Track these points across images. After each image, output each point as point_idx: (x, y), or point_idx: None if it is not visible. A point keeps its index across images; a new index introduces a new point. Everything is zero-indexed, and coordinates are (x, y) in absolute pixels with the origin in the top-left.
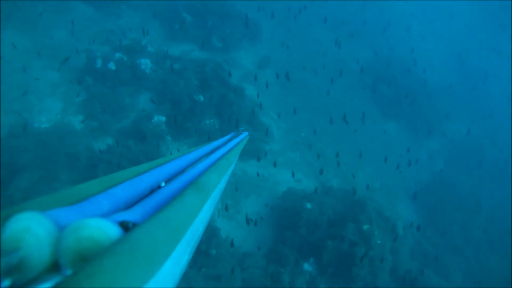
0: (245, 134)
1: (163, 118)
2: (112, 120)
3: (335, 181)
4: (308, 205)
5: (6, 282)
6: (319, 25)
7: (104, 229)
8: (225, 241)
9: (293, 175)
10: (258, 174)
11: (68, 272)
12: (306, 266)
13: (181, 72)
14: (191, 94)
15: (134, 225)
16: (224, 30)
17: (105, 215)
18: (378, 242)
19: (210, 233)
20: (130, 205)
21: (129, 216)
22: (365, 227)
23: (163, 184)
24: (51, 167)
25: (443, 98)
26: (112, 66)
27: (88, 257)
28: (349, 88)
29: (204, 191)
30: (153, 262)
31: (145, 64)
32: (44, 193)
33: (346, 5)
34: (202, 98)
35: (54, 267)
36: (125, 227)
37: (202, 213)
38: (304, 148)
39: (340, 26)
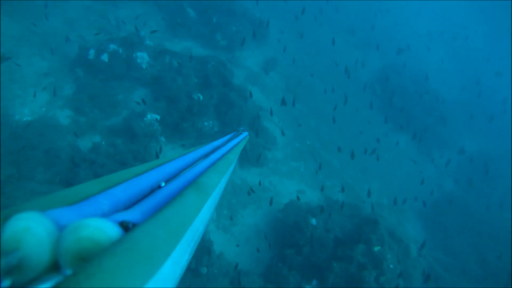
0: (245, 134)
1: (157, 117)
2: (102, 117)
3: (341, 194)
4: (313, 221)
5: (6, 282)
6: (330, 31)
7: (104, 229)
8: (218, 257)
9: (298, 194)
10: (260, 183)
11: (68, 272)
12: None
13: (180, 68)
14: (190, 92)
15: (134, 225)
16: (230, 28)
17: (105, 215)
18: (391, 266)
19: (202, 247)
20: (130, 205)
21: (129, 216)
22: (376, 248)
23: (163, 184)
24: (25, 164)
25: (456, 113)
26: (105, 58)
27: (88, 257)
28: (358, 98)
29: (204, 191)
30: (153, 262)
31: (142, 58)
32: (10, 195)
33: (359, 13)
34: (201, 97)
35: (54, 267)
36: (125, 227)
37: (202, 213)
38: (308, 157)
39: (352, 33)
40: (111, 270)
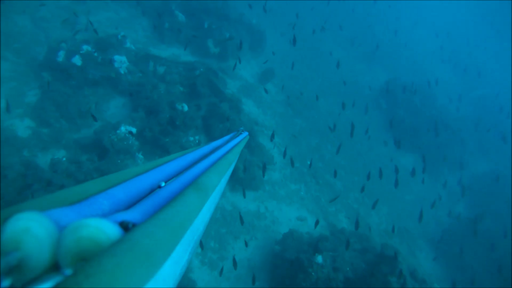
0: (245, 134)
1: (133, 130)
2: (70, 128)
3: (346, 221)
4: (319, 259)
5: (6, 282)
6: (331, 41)
7: (104, 229)
8: None
9: (299, 221)
10: (261, 209)
11: (68, 272)
12: None
13: (164, 75)
14: (173, 102)
15: (134, 225)
16: (223, 34)
17: (105, 215)
18: None
19: None
20: (130, 205)
21: (129, 216)
22: None
23: (163, 184)
24: None
25: (466, 131)
26: (77, 61)
27: (88, 257)
28: (362, 113)
29: (204, 191)
30: (153, 262)
31: (120, 62)
32: None
33: (360, 22)
34: (186, 108)
35: (54, 267)
36: (125, 227)
37: (202, 213)
38: (309, 179)
39: (354, 44)
40: (111, 270)
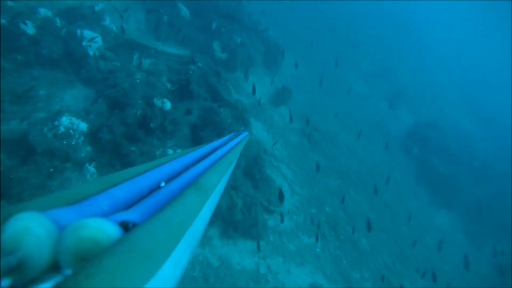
0: (245, 134)
1: (82, 125)
2: None
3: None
4: None
5: (6, 282)
6: (352, 72)
7: (104, 229)
8: None
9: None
10: (261, 268)
11: (68, 272)
12: None
13: (147, 67)
14: (150, 98)
15: (134, 225)
16: (232, 38)
17: (105, 215)
18: None
19: None
20: (130, 205)
21: (129, 216)
22: None
23: (163, 184)
24: None
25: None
26: (29, 28)
27: (88, 257)
28: (389, 154)
29: (204, 191)
30: (153, 262)
31: (91, 40)
32: None
33: (382, 54)
34: (168, 106)
35: (54, 267)
36: (125, 227)
37: (202, 213)
38: (328, 231)
39: (378, 78)
40: (111, 270)
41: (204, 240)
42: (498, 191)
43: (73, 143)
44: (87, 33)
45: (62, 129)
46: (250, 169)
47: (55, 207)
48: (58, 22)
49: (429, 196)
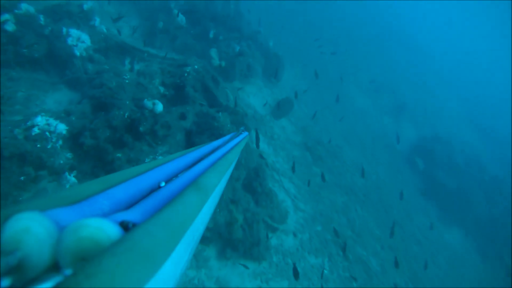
0: (245, 134)
1: (61, 127)
2: None
3: None
4: None
5: (6, 282)
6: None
7: (104, 229)
8: None
9: None
10: None
11: (68, 272)
12: None
13: (141, 69)
14: (140, 100)
15: (134, 225)
16: (230, 45)
17: (105, 215)
18: None
19: None
20: (130, 205)
21: (129, 216)
22: None
23: (163, 184)
24: None
25: None
26: (9, 25)
27: (88, 257)
28: (394, 169)
29: (204, 191)
30: (153, 262)
31: (78, 39)
32: None
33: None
34: (160, 108)
35: (54, 267)
36: (125, 227)
37: (202, 213)
38: (336, 250)
39: (381, 92)
40: (111, 270)
41: (200, 261)
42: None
43: (49, 146)
44: (74, 32)
45: (36, 130)
46: (251, 182)
47: (55, 207)
48: (42, 19)
49: (438, 213)
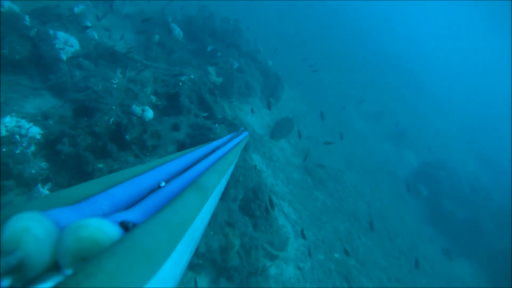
0: (245, 134)
1: (36, 132)
2: None
3: None
4: None
5: (6, 282)
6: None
7: (104, 229)
8: None
9: None
10: None
11: (68, 272)
12: None
13: (132, 76)
14: (128, 106)
15: (134, 225)
16: (228, 61)
17: (105, 215)
18: None
19: None
20: (130, 205)
21: (129, 216)
22: None
23: (163, 184)
24: None
25: None
26: None
27: (88, 257)
28: (397, 196)
29: (204, 191)
30: (153, 262)
31: (65, 42)
32: None
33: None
34: (150, 115)
35: (54, 267)
36: (125, 227)
37: (202, 213)
38: (340, 281)
39: (381, 118)
40: (111, 270)
41: None
42: None
43: (17, 151)
44: (62, 35)
45: (3, 132)
46: (249, 203)
47: (55, 207)
48: (27, 20)
49: (445, 243)
